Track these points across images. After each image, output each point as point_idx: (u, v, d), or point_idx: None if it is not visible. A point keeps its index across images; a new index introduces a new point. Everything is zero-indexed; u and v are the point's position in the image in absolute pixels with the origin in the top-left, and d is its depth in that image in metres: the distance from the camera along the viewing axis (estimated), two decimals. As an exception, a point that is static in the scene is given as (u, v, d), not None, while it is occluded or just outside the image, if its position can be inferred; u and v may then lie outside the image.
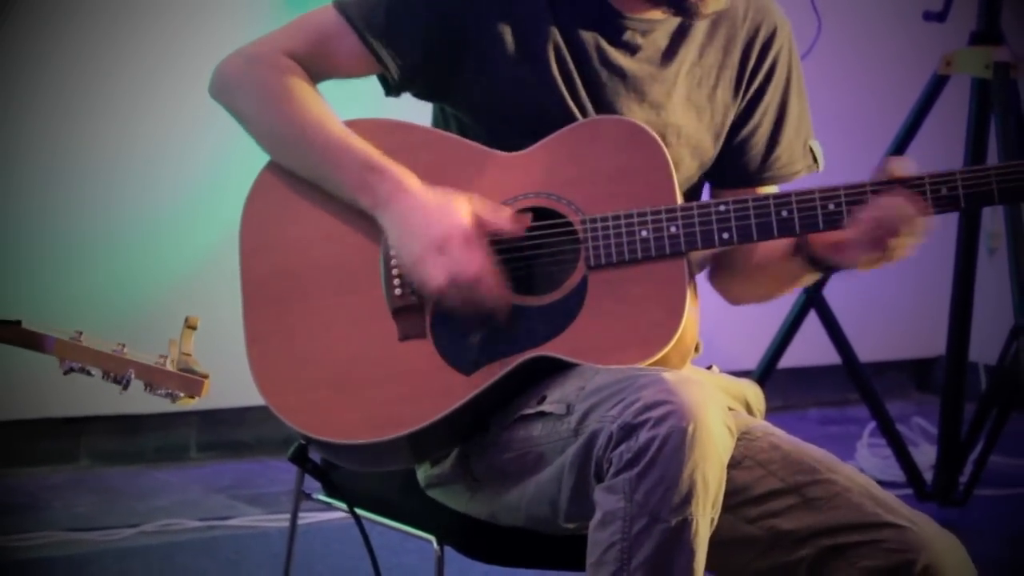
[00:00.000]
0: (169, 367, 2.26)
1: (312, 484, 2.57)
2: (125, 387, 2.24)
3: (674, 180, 2.34)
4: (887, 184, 2.31)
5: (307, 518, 3.97)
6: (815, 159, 2.54)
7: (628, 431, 2.11)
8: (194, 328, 2.30)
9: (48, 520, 4.13)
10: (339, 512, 2.51)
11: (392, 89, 2.45)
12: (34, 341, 2.23)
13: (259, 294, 2.39)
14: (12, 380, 4.19)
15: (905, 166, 2.34)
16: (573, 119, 2.39)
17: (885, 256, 2.33)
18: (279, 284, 2.39)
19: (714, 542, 2.14)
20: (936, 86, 4.41)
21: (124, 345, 2.27)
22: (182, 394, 2.26)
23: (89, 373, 2.25)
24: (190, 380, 2.26)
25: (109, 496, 4.37)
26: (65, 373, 2.25)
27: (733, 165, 2.51)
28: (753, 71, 2.49)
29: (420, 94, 2.48)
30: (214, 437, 4.77)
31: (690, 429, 2.08)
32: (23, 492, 4.37)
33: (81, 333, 2.25)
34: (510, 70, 2.39)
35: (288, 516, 2.79)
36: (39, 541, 3.97)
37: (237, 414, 4.50)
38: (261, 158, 2.44)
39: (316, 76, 2.43)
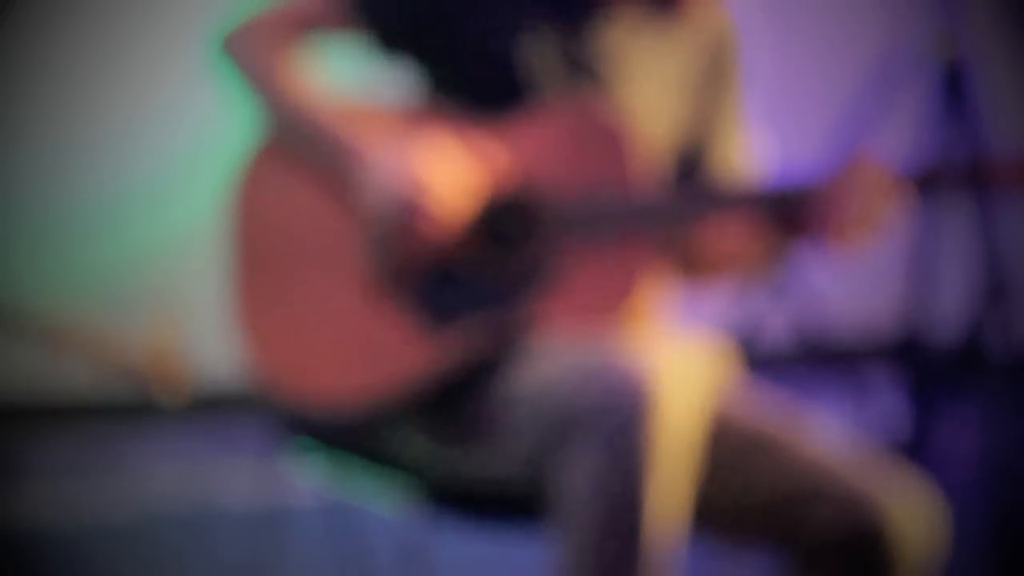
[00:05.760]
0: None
1: (286, 466, 2.58)
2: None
3: (642, 169, 2.40)
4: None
5: (280, 501, 4.00)
6: (739, 164, 2.58)
7: (591, 409, 2.16)
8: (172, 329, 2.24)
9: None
10: (313, 494, 2.54)
11: (375, 54, 2.48)
12: None
13: (248, 263, 2.42)
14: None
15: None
16: (545, 104, 2.44)
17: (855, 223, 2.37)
18: (269, 252, 2.42)
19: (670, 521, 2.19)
20: (897, 68, 4.44)
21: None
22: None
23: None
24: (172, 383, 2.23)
25: (82, 477, 4.41)
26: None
27: (684, 165, 2.55)
28: (708, 74, 2.54)
29: (396, 63, 2.52)
30: (189, 420, 4.79)
31: (650, 406, 2.13)
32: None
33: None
34: (483, 52, 2.44)
35: (262, 499, 2.81)
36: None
37: (212, 397, 4.52)
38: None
39: (307, 44, 2.47)
